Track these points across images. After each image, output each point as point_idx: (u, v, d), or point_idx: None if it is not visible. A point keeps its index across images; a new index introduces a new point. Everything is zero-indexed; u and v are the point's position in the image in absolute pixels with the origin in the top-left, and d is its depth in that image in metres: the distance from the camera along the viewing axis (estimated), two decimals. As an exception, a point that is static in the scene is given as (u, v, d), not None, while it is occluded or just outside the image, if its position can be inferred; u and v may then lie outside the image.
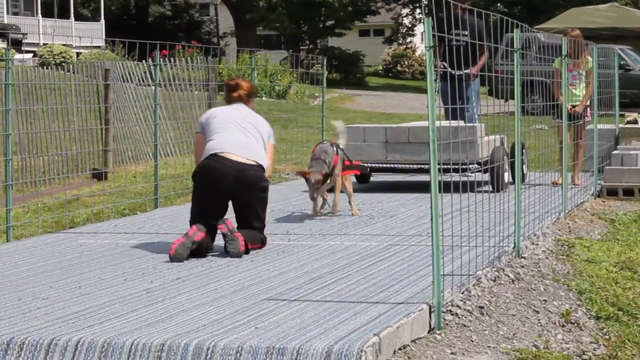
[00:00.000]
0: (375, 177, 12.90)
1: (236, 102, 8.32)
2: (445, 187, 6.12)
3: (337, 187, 9.84)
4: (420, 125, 12.03)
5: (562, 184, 10.30)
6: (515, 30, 7.77)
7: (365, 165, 11.13)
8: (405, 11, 57.03)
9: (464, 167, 11.05)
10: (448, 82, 12.28)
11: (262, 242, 8.02)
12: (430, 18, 5.86)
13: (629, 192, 11.93)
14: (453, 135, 10.71)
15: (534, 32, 10.19)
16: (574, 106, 11.78)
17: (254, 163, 7.91)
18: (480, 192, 7.27)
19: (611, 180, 12.11)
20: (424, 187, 11.77)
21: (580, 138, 11.86)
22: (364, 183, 12.47)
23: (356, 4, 53.25)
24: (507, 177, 11.66)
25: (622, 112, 15.26)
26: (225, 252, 7.67)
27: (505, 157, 11.69)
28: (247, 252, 7.70)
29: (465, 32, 11.94)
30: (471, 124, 11.62)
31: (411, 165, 11.73)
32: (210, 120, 8.17)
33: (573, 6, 38.84)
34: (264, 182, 7.99)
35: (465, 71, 11.59)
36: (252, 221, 7.92)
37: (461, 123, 11.82)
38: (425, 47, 5.81)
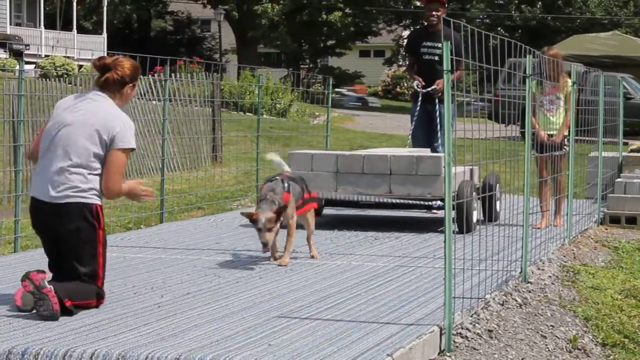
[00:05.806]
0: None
1: (96, 90, 6.44)
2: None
3: (290, 233, 8.25)
4: (377, 153, 10.60)
5: (567, 211, 10.30)
6: (528, 55, 7.83)
7: (320, 197, 9.78)
8: (406, 33, 57.26)
9: (425, 203, 10.10)
10: (418, 104, 11.48)
11: (97, 297, 6.31)
12: (449, 42, 5.91)
13: (631, 220, 11.98)
14: (414, 168, 10.18)
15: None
16: (550, 135, 10.42)
17: (59, 202, 6.24)
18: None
19: (614, 208, 12.16)
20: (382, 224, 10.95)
21: (560, 172, 10.39)
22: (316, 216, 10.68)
23: (358, 25, 53.50)
24: (475, 215, 10.08)
25: (626, 141, 15.32)
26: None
27: (474, 192, 10.14)
28: (67, 312, 6.03)
29: (439, 44, 10.72)
30: (435, 155, 10.43)
31: (366, 198, 10.16)
32: (43, 133, 6.46)
33: (574, 32, 39.06)
34: (74, 215, 6.25)
35: (433, 88, 10.92)
36: (73, 263, 6.26)
37: (427, 152, 10.77)
38: (444, 70, 5.86)
